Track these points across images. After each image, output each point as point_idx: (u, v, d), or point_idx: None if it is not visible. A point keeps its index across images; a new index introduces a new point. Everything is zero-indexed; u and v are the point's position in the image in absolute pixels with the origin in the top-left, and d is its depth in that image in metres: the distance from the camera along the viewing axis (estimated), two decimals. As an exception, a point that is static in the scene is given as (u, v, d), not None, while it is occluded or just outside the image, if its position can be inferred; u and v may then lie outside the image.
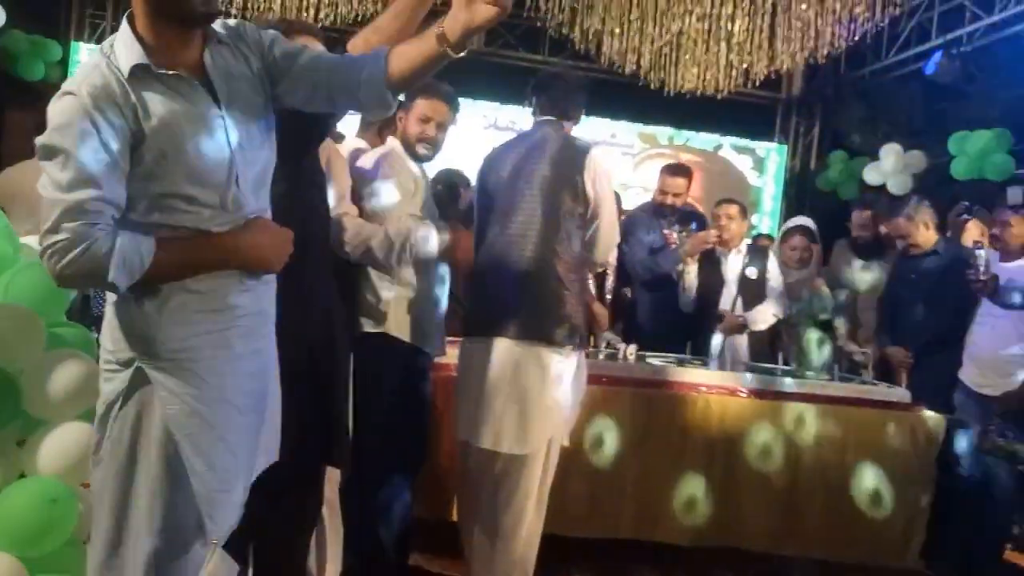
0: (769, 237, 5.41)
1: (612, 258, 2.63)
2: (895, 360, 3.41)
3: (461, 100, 6.47)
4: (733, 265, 3.88)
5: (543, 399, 2.35)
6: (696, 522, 2.88)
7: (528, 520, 2.39)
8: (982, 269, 2.70)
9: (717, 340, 3.89)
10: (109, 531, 1.44)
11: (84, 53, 6.15)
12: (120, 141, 1.34)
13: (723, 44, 5.70)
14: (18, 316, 1.98)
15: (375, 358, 2.33)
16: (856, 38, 5.59)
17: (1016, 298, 2.89)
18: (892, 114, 6.74)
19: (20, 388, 1.96)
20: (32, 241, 2.11)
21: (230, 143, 1.45)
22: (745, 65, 5.85)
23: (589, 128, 6.72)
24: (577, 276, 2.45)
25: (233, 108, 1.46)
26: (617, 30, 5.99)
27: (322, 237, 2.01)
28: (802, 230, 4.18)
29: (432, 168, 2.89)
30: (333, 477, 2.14)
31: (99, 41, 6.37)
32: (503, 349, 2.34)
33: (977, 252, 2.71)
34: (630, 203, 5.58)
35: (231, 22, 1.52)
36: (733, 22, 5.52)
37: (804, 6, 5.30)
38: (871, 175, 6.19)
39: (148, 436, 1.42)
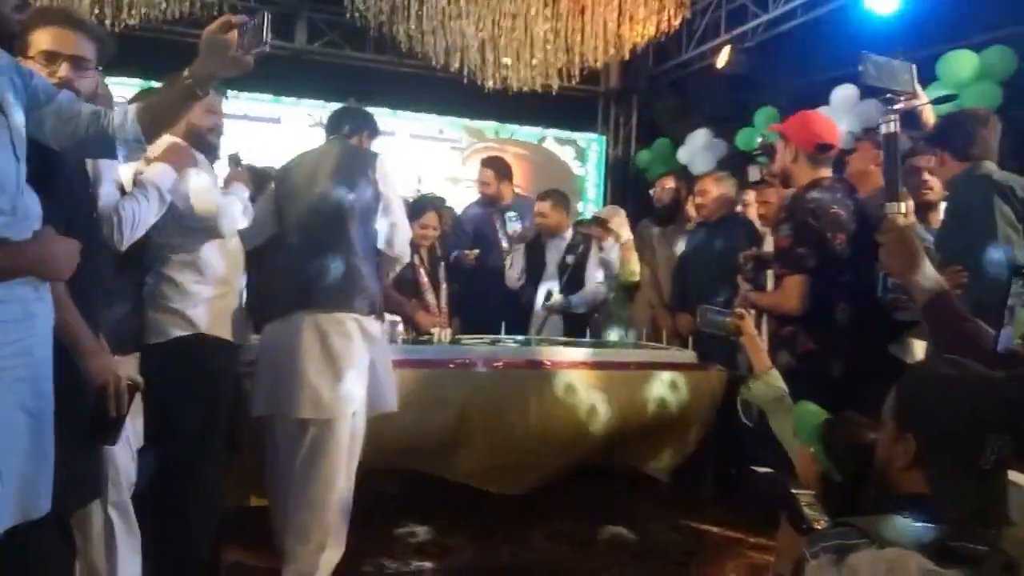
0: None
1: (406, 256, 2.84)
2: (680, 326, 3.77)
3: (286, 99, 6.42)
4: (554, 251, 4.16)
5: (349, 363, 2.52)
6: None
7: (339, 487, 2.53)
8: None
9: (538, 320, 4.18)
10: None
11: None
12: None
13: (533, 43, 5.98)
14: None
15: (188, 361, 2.35)
16: (649, 37, 6.02)
17: None
18: (699, 103, 7.34)
19: None
20: None
21: (15, 151, 1.49)
22: (558, 64, 6.17)
23: (418, 124, 6.85)
24: (372, 261, 2.68)
25: (11, 119, 1.50)
26: (436, 29, 6.14)
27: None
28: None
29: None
30: (124, 480, 2.15)
31: None
32: (310, 320, 2.51)
33: None
34: (460, 197, 5.79)
35: None
36: (538, 23, 5.81)
37: (602, 8, 5.65)
38: (682, 154, 6.72)
39: None
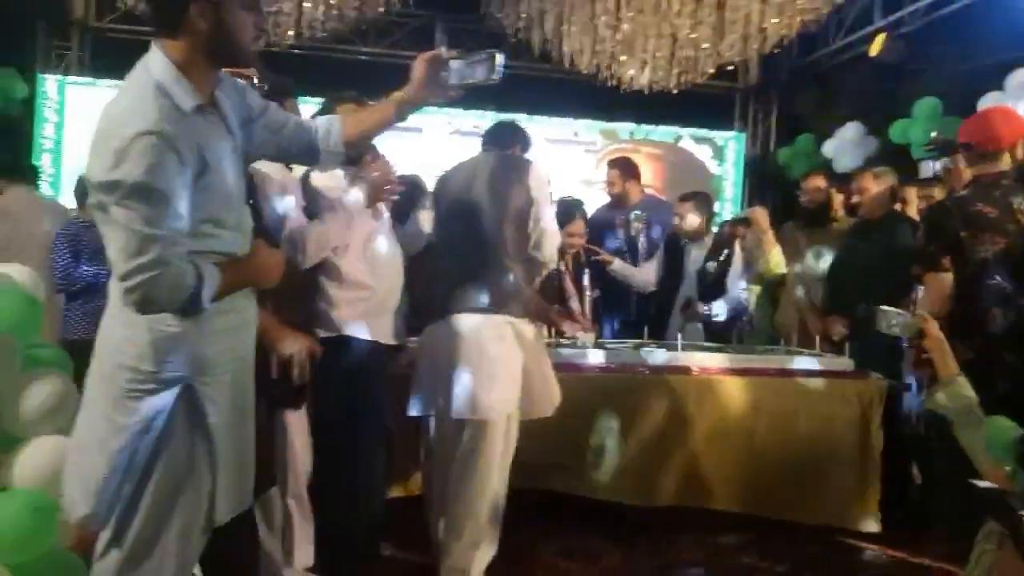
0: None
1: (554, 262, 2.87)
2: (833, 330, 3.58)
3: (427, 109, 6.66)
4: (695, 257, 4.06)
5: (504, 365, 2.57)
6: (664, 486, 3.10)
7: (493, 487, 2.58)
8: None
9: (676, 327, 4.06)
10: (148, 539, 1.52)
11: (51, 84, 6.25)
12: (190, 176, 1.46)
13: (672, 40, 5.86)
14: (-2, 342, 2.11)
15: (333, 360, 2.44)
16: (799, 27, 5.75)
17: None
18: (845, 96, 6.95)
19: (9, 411, 2.09)
20: (5, 268, 2.23)
21: (239, 169, 1.64)
22: (696, 61, 6.01)
23: (553, 128, 6.89)
24: (525, 266, 2.72)
25: (237, 139, 1.65)
26: (572, 31, 6.14)
27: None
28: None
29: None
30: (301, 470, 2.29)
31: (66, 72, 6.45)
32: (467, 323, 2.58)
33: None
34: (594, 199, 5.77)
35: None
36: (678, 20, 5.67)
37: (745, 1, 5.46)
38: (828, 148, 6.37)
39: (195, 447, 1.55)
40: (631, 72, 6.02)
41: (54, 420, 2.12)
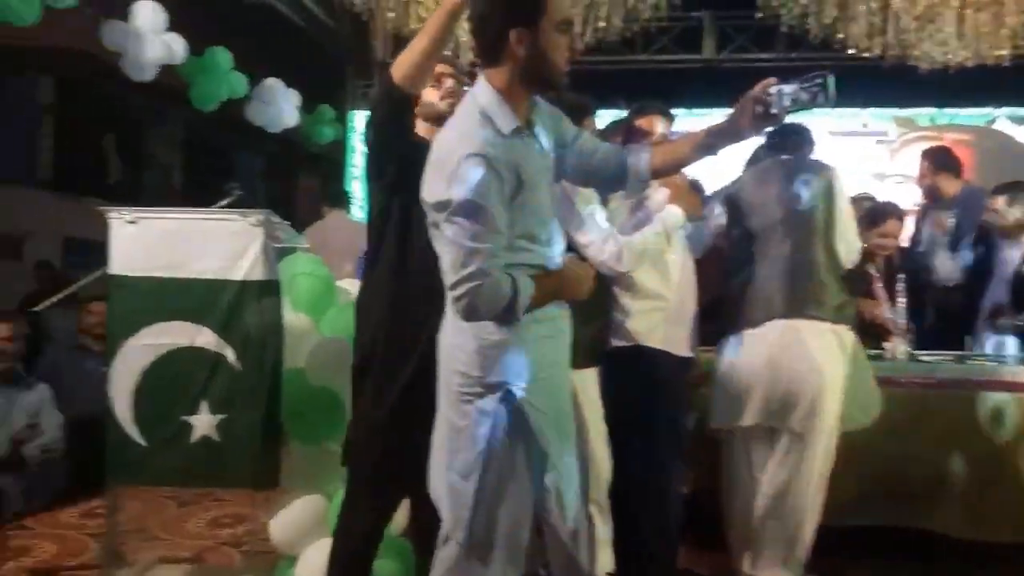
0: None
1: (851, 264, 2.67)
2: None
3: (698, 111, 6.58)
4: (1009, 258, 3.50)
5: (826, 374, 2.44)
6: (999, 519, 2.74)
7: (808, 506, 2.46)
8: None
9: (980, 336, 3.51)
10: (480, 531, 1.65)
11: (359, 119, 7.11)
12: (508, 194, 1.56)
13: (987, 8, 5.10)
14: (340, 348, 2.42)
15: (628, 370, 2.47)
16: None
17: None
18: None
19: (344, 405, 2.39)
20: (346, 284, 2.56)
21: (552, 189, 1.74)
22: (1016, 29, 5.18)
23: (837, 120, 6.36)
24: (835, 271, 2.60)
25: (550, 159, 1.74)
26: (861, 12, 5.61)
27: None
28: None
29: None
30: (603, 477, 2.33)
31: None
32: (783, 331, 2.50)
33: None
34: (888, 195, 5.23)
35: None
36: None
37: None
38: None
39: (517, 449, 1.65)
40: (939, 49, 5.34)
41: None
